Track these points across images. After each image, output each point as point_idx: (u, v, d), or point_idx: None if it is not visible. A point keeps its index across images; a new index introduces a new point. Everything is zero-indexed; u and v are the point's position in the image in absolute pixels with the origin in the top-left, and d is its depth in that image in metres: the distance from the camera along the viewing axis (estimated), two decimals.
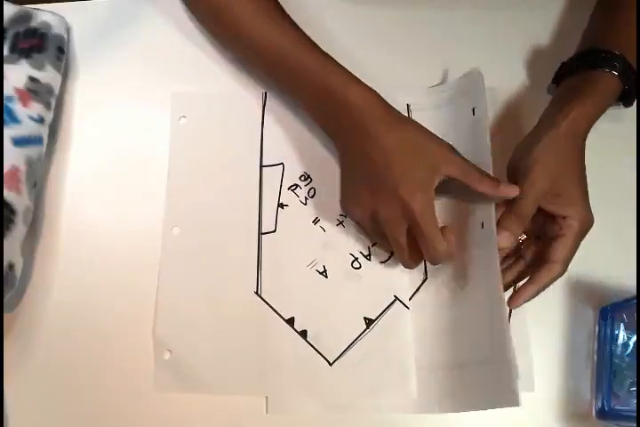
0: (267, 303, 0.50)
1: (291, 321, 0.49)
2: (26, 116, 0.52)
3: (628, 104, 0.52)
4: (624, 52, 0.49)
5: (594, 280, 0.49)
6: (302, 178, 0.54)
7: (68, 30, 0.59)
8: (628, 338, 0.45)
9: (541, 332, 0.48)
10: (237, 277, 0.51)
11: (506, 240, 0.46)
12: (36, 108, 0.53)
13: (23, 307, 0.51)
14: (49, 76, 0.55)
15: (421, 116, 0.55)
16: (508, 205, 0.47)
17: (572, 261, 0.48)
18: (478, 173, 0.47)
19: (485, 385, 0.44)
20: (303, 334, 0.49)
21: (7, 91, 0.52)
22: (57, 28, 0.57)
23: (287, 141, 0.55)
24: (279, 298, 0.50)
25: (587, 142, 0.48)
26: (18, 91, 0.53)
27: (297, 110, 0.55)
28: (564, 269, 0.46)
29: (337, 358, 0.48)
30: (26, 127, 0.52)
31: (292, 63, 0.50)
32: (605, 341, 0.46)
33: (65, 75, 0.58)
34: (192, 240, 0.52)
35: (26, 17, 0.57)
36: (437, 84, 0.57)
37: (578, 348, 0.48)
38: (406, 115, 0.55)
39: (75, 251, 0.53)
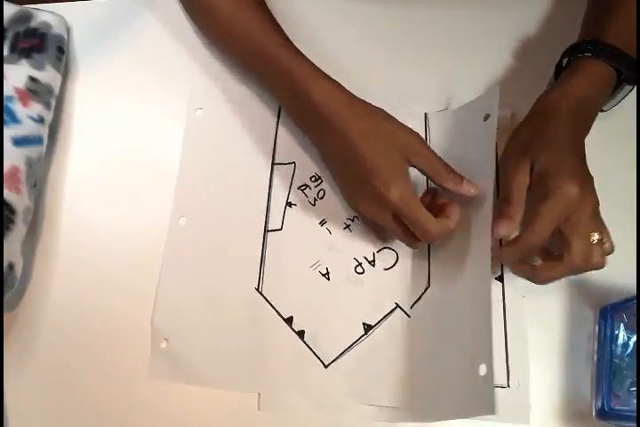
0: (267, 301, 0.50)
1: (289, 320, 0.49)
2: (26, 116, 0.52)
3: (632, 83, 0.50)
4: (603, 36, 0.48)
5: (594, 280, 0.49)
6: (313, 179, 0.54)
7: (68, 30, 0.59)
8: (628, 338, 0.45)
9: (541, 332, 0.48)
10: (240, 272, 0.51)
11: (504, 228, 0.44)
12: (36, 108, 0.53)
13: (23, 307, 0.51)
14: (49, 76, 0.55)
15: (436, 123, 0.55)
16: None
17: None
18: (445, 167, 0.47)
19: (466, 394, 0.43)
20: (301, 334, 0.49)
21: (7, 91, 0.52)
22: (57, 28, 0.57)
23: (301, 141, 0.55)
24: (279, 296, 0.50)
25: (586, 142, 0.47)
26: (18, 91, 0.53)
27: None
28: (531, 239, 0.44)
29: (332, 361, 0.48)
30: (26, 127, 0.52)
31: (265, 56, 0.50)
32: (605, 341, 0.46)
33: (65, 75, 0.58)
34: (197, 231, 0.52)
35: (26, 17, 0.57)
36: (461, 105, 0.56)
37: (578, 348, 0.48)
38: (423, 123, 0.55)
39: (74, 251, 0.53)
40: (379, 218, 0.47)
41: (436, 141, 0.54)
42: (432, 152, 0.47)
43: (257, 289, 0.50)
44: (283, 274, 0.51)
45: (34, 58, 0.55)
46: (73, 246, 0.53)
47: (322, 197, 0.53)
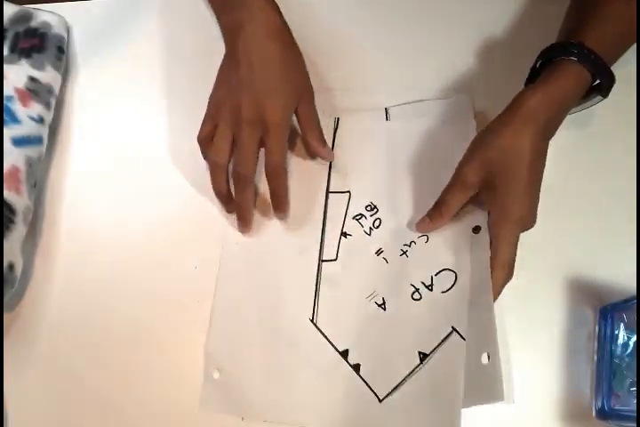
0: (321, 333, 0.48)
1: (345, 354, 0.47)
2: (26, 116, 0.52)
3: (604, 94, 0.48)
4: (587, 41, 0.46)
5: (594, 280, 0.49)
6: (368, 208, 0.52)
7: (68, 30, 0.59)
8: (628, 338, 0.45)
9: (541, 332, 0.48)
10: (294, 302, 0.49)
11: (422, 226, 0.49)
12: (36, 108, 0.53)
13: (23, 307, 0.51)
14: (49, 76, 0.55)
15: (396, 117, 0.54)
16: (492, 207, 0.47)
17: (573, 261, 0.49)
18: (317, 124, 0.51)
19: (474, 383, 0.43)
20: (356, 367, 0.47)
21: (7, 91, 0.52)
22: (57, 28, 0.57)
23: (356, 169, 0.54)
24: (334, 328, 0.48)
25: (585, 141, 0.47)
26: (18, 91, 0.53)
27: (368, 138, 0.54)
28: (503, 273, 0.45)
29: (387, 395, 0.46)
30: (26, 127, 0.52)
31: None
32: (605, 341, 0.46)
33: (65, 75, 0.58)
34: (251, 258, 0.51)
35: (26, 17, 0.57)
36: (423, 100, 0.55)
37: (578, 348, 0.48)
38: (384, 116, 0.55)
39: (75, 251, 0.53)
40: (244, 126, 0.47)
41: (399, 135, 0.54)
42: (315, 110, 0.51)
43: (311, 320, 0.49)
44: (338, 305, 0.49)
45: (34, 58, 0.55)
46: (73, 246, 0.53)
47: (377, 227, 0.51)
